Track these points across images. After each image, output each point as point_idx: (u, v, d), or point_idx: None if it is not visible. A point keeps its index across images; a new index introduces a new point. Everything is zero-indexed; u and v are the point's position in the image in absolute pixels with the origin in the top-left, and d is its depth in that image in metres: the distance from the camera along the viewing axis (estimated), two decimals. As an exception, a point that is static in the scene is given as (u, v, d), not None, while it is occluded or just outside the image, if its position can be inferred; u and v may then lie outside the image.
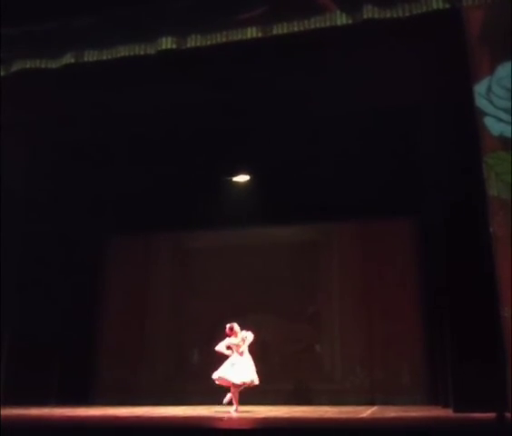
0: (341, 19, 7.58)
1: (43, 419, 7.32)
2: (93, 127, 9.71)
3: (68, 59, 8.16)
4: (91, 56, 8.14)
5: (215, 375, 8.35)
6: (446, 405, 8.21)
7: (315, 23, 7.62)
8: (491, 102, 7.04)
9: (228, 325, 8.63)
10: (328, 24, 7.61)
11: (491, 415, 5.87)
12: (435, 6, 7.43)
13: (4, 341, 9.77)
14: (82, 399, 10.44)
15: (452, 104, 7.65)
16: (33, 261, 10.44)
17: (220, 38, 7.89)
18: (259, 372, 8.40)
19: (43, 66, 8.20)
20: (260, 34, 7.71)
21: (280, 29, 7.67)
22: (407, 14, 7.48)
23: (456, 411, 7.33)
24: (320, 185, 10.25)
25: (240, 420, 7.47)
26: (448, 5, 7.42)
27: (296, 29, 7.65)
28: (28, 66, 8.23)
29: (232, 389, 8.36)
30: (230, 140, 10.06)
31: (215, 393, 8.68)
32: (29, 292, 10.30)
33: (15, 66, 8.27)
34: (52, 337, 10.61)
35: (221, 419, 7.36)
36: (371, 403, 9.55)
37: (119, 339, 11.66)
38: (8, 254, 9.74)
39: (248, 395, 8.73)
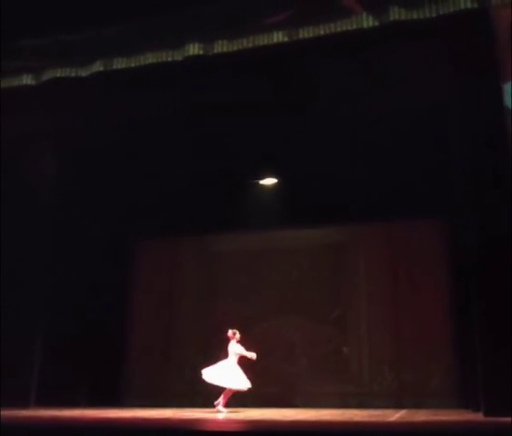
0: (368, 21, 7.56)
1: (70, 420, 7.45)
2: (119, 132, 9.86)
3: (97, 67, 8.32)
4: (119, 64, 8.29)
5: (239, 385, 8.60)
6: (476, 409, 8.10)
7: (341, 26, 7.62)
8: (521, 102, 6.95)
9: (233, 331, 8.98)
10: (354, 26, 7.60)
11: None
12: (463, 6, 7.34)
13: (37, 343, 9.98)
14: (112, 400, 10.64)
15: (481, 103, 7.55)
16: (64, 264, 10.65)
17: (246, 43, 7.95)
18: (286, 374, 8.47)
19: (73, 75, 8.37)
20: (286, 39, 7.73)
21: (305, 33, 7.69)
22: (434, 15, 7.42)
23: (486, 414, 7.24)
24: (346, 187, 10.24)
25: (267, 422, 7.49)
26: (476, 5, 7.33)
27: (322, 32, 7.67)
28: (59, 75, 8.40)
29: (229, 393, 8.77)
30: (256, 143, 10.11)
31: (241, 396, 8.76)
32: (61, 296, 10.51)
33: (46, 75, 8.46)
34: (83, 339, 10.80)
35: (242, 421, 7.40)
36: (400, 406, 9.49)
37: (147, 341, 11.82)
38: (41, 258, 9.95)
39: (275, 398, 8.78)
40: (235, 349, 8.91)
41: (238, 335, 9.02)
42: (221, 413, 8.46)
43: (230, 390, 8.74)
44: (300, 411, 8.83)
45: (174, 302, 12.19)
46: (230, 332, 9.03)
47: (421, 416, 7.88)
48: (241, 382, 8.68)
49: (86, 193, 11.06)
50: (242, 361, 8.86)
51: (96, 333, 11.11)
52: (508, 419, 6.45)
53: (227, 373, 8.71)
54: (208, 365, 11.38)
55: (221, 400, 8.75)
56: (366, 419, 7.77)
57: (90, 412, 8.65)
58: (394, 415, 8.14)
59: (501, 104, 7.06)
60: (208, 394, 10.76)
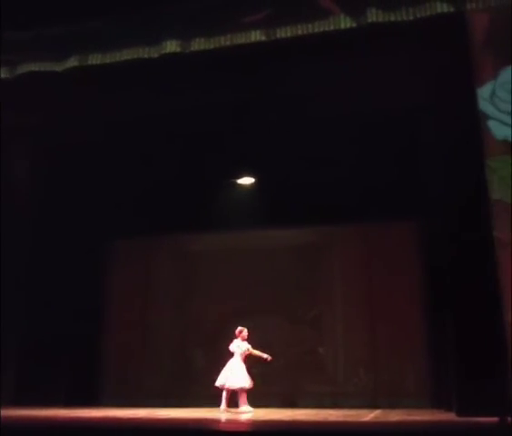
0: (345, 22, 7.58)
1: (46, 420, 7.34)
2: (94, 130, 9.75)
3: (72, 62, 8.19)
4: (95, 59, 8.16)
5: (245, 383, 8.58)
6: (449, 409, 8.19)
7: (319, 26, 7.62)
8: (495, 105, 7.05)
9: (240, 329, 8.92)
10: (332, 27, 7.61)
11: (494, 419, 5.87)
12: (439, 10, 7.42)
13: (12, 344, 9.82)
14: (88, 400, 10.49)
15: (455, 107, 7.64)
16: (38, 263, 10.49)
17: (224, 41, 7.90)
18: (261, 375, 8.46)
19: (47, 69, 8.24)
20: (263, 38, 7.72)
21: (283, 33, 7.67)
22: (411, 18, 7.47)
23: (458, 414, 7.33)
24: (322, 188, 10.26)
25: (240, 422, 7.48)
26: (452, 9, 7.42)
27: (300, 33, 7.66)
28: (33, 69, 8.26)
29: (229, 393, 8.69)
30: (233, 142, 10.08)
31: (219, 395, 8.72)
32: (35, 295, 10.36)
33: (20, 69, 8.30)
34: (57, 339, 10.64)
35: (219, 421, 7.37)
36: (375, 406, 9.53)
37: (123, 340, 11.69)
38: (15, 257, 9.79)
39: (250, 398, 8.77)
40: (242, 347, 8.84)
41: (245, 333, 8.94)
42: (247, 413, 8.40)
43: (242, 389, 8.65)
44: (275, 410, 8.82)
45: (150, 302, 12.08)
46: (237, 330, 8.95)
47: (395, 416, 7.95)
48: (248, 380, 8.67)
49: (60, 193, 10.88)
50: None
51: (72, 333, 10.95)
52: (479, 418, 6.55)
53: (241, 374, 8.66)
54: (184, 365, 11.43)
55: (240, 402, 8.66)
56: (340, 419, 7.82)
57: (64, 412, 8.54)
58: (368, 415, 8.19)
59: (475, 107, 7.15)
60: (184, 394, 10.76)
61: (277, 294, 11.23)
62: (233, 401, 8.75)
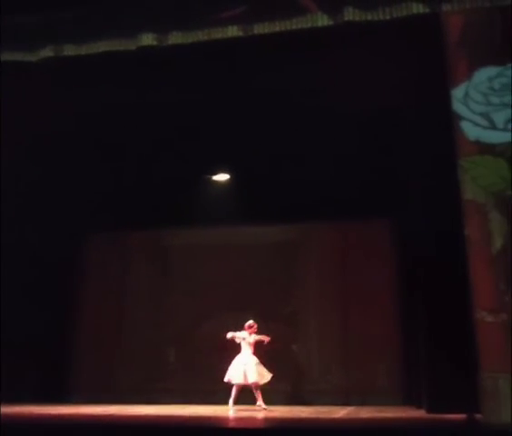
0: (322, 20, 7.61)
1: (15, 417, 7.24)
2: (69, 124, 9.60)
3: (47, 53, 8.06)
4: (70, 51, 8.03)
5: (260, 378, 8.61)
6: (420, 406, 8.29)
7: (296, 23, 7.62)
8: (468, 107, 7.12)
9: (249, 323, 8.93)
10: (309, 24, 7.62)
11: (462, 416, 5.95)
12: (415, 10, 7.49)
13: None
14: (59, 397, 10.34)
15: (430, 107, 7.72)
16: (8, 259, 10.29)
17: (201, 36, 7.85)
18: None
19: (20, 59, 8.10)
20: (241, 33, 7.70)
21: (261, 29, 7.65)
22: (387, 18, 7.53)
23: (429, 411, 7.42)
24: (299, 185, 10.27)
25: (214, 419, 7.47)
26: (427, 10, 7.49)
27: (277, 29, 7.64)
28: (5, 59, 8.11)
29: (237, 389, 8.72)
30: (210, 138, 10.03)
31: (193, 392, 8.71)
32: (6, 291, 10.16)
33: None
34: (29, 336, 10.47)
35: (188, 417, 7.35)
36: (347, 404, 9.60)
37: (96, 337, 11.56)
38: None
39: (223, 395, 8.78)
40: (251, 340, 8.87)
41: (255, 327, 8.97)
42: (263, 410, 8.41)
43: (257, 384, 8.64)
44: (248, 407, 8.82)
45: (124, 298, 11.98)
46: (248, 324, 8.95)
47: (366, 413, 8.02)
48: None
49: (31, 188, 10.67)
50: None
51: (44, 330, 10.79)
52: (449, 415, 6.65)
53: (254, 369, 8.65)
54: (158, 361, 11.36)
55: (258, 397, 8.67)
56: (313, 415, 7.87)
57: (32, 409, 8.43)
58: (340, 412, 8.25)
59: (449, 108, 7.22)
60: (153, 390, 10.69)
61: (252, 291, 11.22)
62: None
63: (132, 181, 10.85)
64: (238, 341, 8.93)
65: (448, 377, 7.00)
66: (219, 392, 9.19)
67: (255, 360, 8.77)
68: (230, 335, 8.95)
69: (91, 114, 9.43)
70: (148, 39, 7.90)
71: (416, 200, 8.40)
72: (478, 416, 6.03)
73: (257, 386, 8.66)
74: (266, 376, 8.71)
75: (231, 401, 8.68)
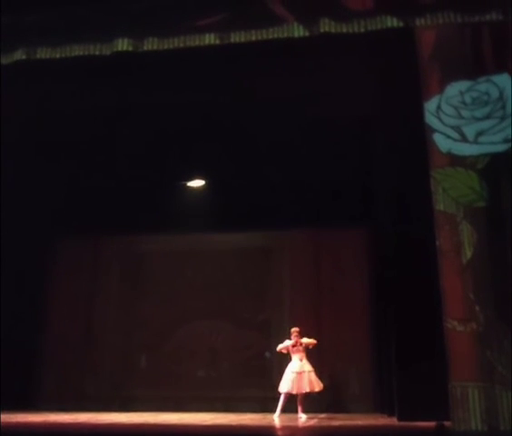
0: (299, 31, 7.69)
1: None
2: (40, 126, 9.46)
3: (20, 55, 7.95)
4: (43, 54, 7.95)
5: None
6: (392, 414, 8.37)
7: (273, 33, 7.70)
8: (440, 119, 7.27)
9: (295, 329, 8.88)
10: (285, 35, 7.71)
11: (433, 424, 6.05)
12: (389, 24, 7.65)
13: None
14: (26, 404, 10.16)
15: (403, 119, 7.85)
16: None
17: (177, 43, 7.86)
18: (207, 380, 8.40)
19: (-9, 61, 7.96)
20: (217, 42, 7.73)
21: (237, 37, 7.71)
22: (362, 31, 7.66)
23: (400, 419, 7.50)
24: (272, 192, 10.33)
25: (186, 427, 7.42)
26: (401, 24, 7.65)
27: (254, 38, 7.72)
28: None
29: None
30: (185, 144, 10.01)
31: (163, 400, 8.63)
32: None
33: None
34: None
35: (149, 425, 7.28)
36: (319, 411, 9.64)
37: (66, 343, 11.37)
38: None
39: (194, 403, 8.73)
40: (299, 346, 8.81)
41: (297, 332, 8.91)
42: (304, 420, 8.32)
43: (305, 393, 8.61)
44: (220, 415, 8.80)
45: (95, 304, 11.80)
46: (295, 330, 8.90)
47: (338, 420, 8.07)
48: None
49: (2, 190, 10.45)
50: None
51: (10, 336, 10.55)
52: (419, 423, 6.74)
53: (312, 376, 8.62)
54: (128, 369, 11.21)
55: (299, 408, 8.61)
56: (285, 423, 7.88)
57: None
58: (312, 420, 8.28)
59: (421, 120, 7.36)
60: (123, 397, 10.57)
61: (225, 298, 11.20)
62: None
63: (106, 185, 10.72)
64: (285, 351, 8.90)
65: (418, 385, 7.08)
66: (190, 400, 9.15)
67: (308, 367, 8.71)
68: (279, 348, 8.94)
69: (63, 117, 9.30)
70: (123, 44, 7.87)
71: (388, 209, 8.51)
72: (448, 424, 6.13)
73: (304, 395, 8.63)
74: (316, 385, 8.66)
75: (278, 409, 8.60)
